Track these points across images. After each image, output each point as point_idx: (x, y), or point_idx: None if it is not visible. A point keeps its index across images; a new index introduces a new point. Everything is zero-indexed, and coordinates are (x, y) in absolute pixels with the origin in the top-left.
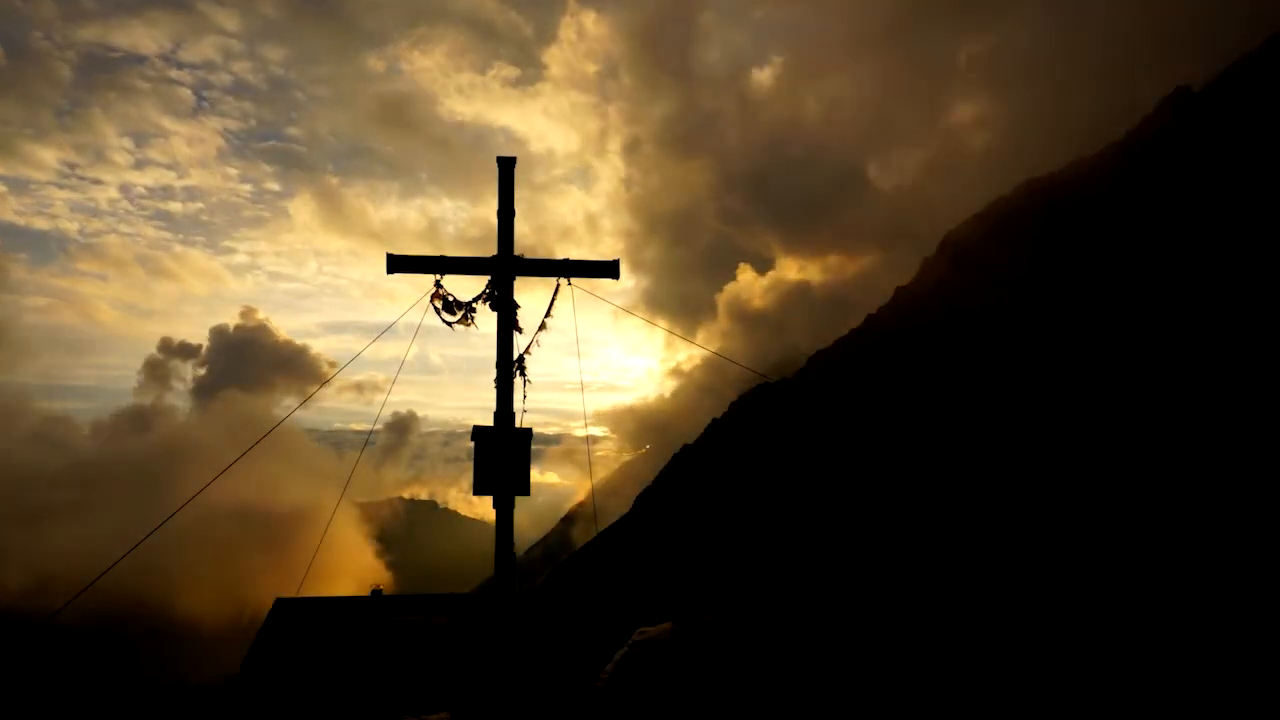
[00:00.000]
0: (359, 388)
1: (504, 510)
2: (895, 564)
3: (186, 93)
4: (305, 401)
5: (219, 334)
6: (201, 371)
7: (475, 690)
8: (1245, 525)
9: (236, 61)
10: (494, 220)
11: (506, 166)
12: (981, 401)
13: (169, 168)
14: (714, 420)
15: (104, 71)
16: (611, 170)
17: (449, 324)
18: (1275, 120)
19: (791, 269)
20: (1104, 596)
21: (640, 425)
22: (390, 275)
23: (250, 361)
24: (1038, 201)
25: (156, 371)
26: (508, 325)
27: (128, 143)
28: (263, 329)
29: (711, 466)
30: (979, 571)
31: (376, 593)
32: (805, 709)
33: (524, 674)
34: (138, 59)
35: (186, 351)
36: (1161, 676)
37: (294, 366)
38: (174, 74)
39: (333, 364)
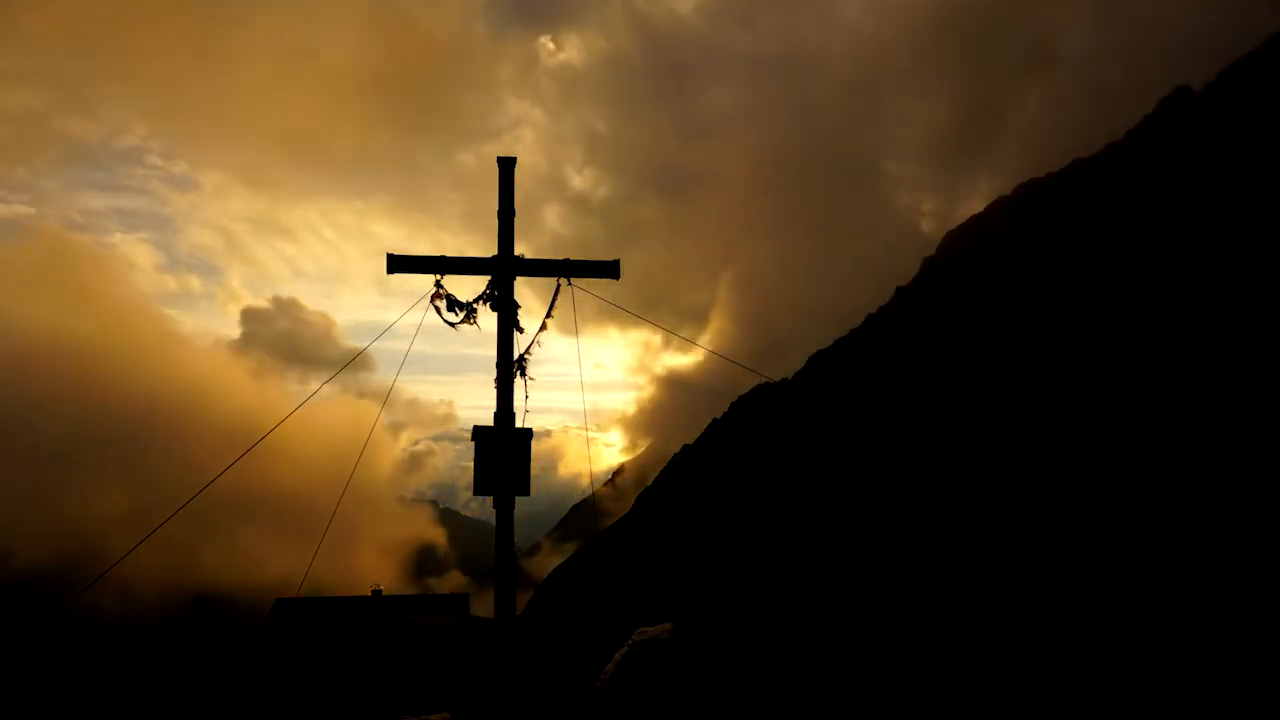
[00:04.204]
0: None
1: (504, 510)
2: (895, 561)
3: None
4: (307, 400)
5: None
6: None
7: (476, 690)
8: (1245, 516)
9: None
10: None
11: (506, 167)
12: (981, 400)
13: None
14: (714, 420)
15: None
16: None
17: (451, 324)
18: (1275, 120)
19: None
20: (1106, 591)
21: (640, 425)
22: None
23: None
24: (1038, 201)
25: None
26: (508, 325)
27: None
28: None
29: (711, 466)
30: (980, 569)
31: (376, 593)
32: (805, 708)
33: (524, 674)
34: None
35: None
36: (1165, 673)
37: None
38: None
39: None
